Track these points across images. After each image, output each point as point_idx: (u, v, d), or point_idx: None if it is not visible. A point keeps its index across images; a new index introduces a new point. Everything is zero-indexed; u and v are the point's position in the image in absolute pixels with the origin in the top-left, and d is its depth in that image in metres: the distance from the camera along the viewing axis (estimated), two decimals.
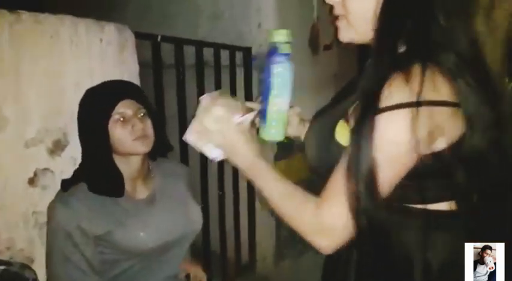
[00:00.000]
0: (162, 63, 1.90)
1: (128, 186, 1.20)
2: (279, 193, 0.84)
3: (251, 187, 2.38)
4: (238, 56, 2.36)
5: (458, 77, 0.70)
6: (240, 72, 2.39)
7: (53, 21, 1.34)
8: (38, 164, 1.29)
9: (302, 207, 0.79)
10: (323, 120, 0.87)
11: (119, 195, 1.16)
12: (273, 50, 0.92)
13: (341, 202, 0.72)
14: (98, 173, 1.16)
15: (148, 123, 1.19)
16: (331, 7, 0.85)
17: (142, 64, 1.64)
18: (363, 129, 0.70)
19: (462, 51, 0.72)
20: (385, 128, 0.69)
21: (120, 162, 1.18)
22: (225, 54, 2.28)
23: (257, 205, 2.53)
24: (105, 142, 1.15)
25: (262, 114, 0.96)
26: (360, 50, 0.94)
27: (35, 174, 1.28)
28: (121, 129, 1.15)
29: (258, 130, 0.99)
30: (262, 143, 0.96)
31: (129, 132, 1.15)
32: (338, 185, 0.73)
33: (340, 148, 0.77)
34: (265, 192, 0.85)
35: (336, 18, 0.84)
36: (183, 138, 0.94)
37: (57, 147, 1.32)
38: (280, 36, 0.92)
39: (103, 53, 1.50)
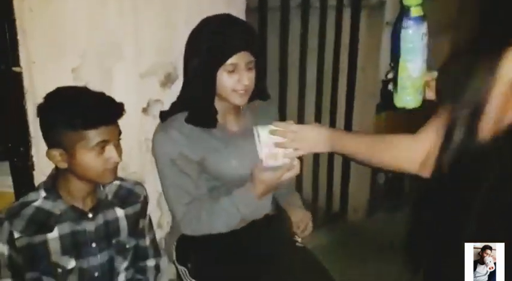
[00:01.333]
0: (267, 5, 1.89)
1: (220, 119, 1.26)
2: (368, 141, 0.92)
3: None
4: None
5: None
6: (347, 14, 2.29)
7: None
8: (151, 95, 1.40)
9: (396, 140, 0.86)
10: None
11: (212, 126, 1.23)
12: (404, 12, 0.91)
13: (439, 131, 0.77)
14: (196, 107, 1.22)
15: (253, 76, 1.21)
16: None
17: (247, 7, 1.65)
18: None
19: None
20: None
21: (216, 100, 1.24)
22: None
23: None
24: (210, 86, 1.19)
25: (394, 80, 0.96)
26: None
27: (148, 104, 1.40)
28: (228, 78, 1.18)
29: (392, 96, 0.99)
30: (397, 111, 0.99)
31: (234, 83, 1.18)
32: (440, 118, 0.77)
33: None
34: (357, 150, 0.93)
35: None
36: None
37: (168, 80, 1.42)
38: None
39: None
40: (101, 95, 1.08)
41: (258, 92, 1.29)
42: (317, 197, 2.44)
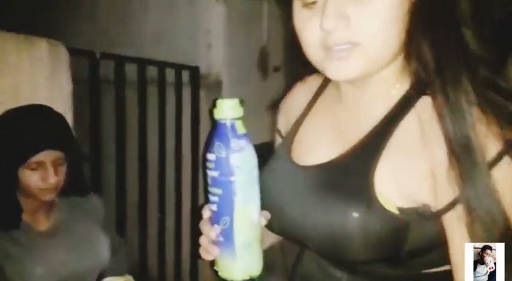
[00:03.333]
0: (100, 81, 1.80)
1: (27, 218, 1.13)
2: None
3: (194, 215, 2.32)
4: (185, 75, 2.29)
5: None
6: (187, 91, 2.32)
7: None
8: None
9: None
10: (339, 173, 0.69)
11: (14, 227, 1.10)
12: (224, 129, 0.63)
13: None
14: None
15: (63, 171, 1.13)
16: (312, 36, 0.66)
17: (81, 80, 1.56)
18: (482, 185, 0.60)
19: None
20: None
21: (22, 197, 1.12)
22: (170, 74, 2.20)
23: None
24: (11, 183, 1.08)
25: (223, 238, 0.64)
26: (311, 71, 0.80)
27: None
28: (31, 176, 1.09)
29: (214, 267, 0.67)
30: None
31: (38, 181, 1.10)
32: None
33: (385, 212, 0.64)
34: None
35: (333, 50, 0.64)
36: None
37: None
38: (234, 110, 0.63)
39: (33, 73, 1.40)
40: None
41: (74, 187, 1.20)
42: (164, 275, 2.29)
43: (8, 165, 1.08)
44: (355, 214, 0.64)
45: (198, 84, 2.32)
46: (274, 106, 0.92)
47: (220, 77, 2.38)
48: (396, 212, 0.64)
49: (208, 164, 0.64)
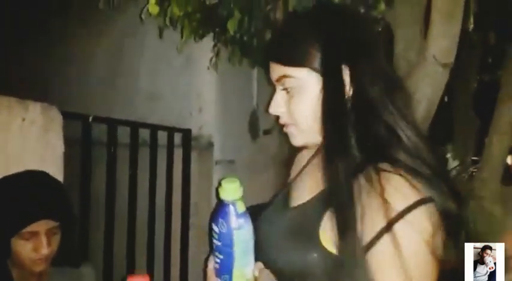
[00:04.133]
0: (91, 144, 1.82)
1: None
2: None
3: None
4: (177, 137, 2.33)
5: (418, 174, 0.72)
6: (179, 154, 2.34)
7: None
8: None
9: None
10: (294, 222, 0.82)
11: None
12: (226, 209, 0.77)
13: None
14: None
15: (56, 241, 1.10)
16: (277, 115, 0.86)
17: (72, 141, 1.57)
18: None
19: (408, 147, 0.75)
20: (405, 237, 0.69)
21: (13, 266, 1.08)
22: (163, 137, 2.24)
23: None
24: (3, 252, 1.05)
25: None
26: None
27: None
28: (24, 246, 1.05)
29: None
30: None
31: (31, 251, 1.06)
32: None
33: (326, 254, 0.74)
34: None
35: (284, 125, 0.85)
36: None
37: None
38: (235, 193, 0.77)
39: (24, 133, 1.42)
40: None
41: (66, 257, 1.16)
42: None
43: (1, 234, 1.04)
44: (314, 254, 0.74)
45: (190, 146, 2.36)
46: (288, 161, 1.03)
47: (212, 139, 2.42)
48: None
49: (213, 234, 0.78)
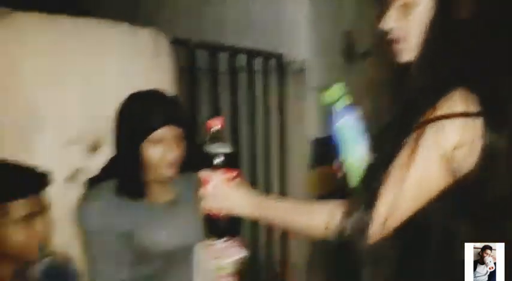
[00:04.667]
0: (196, 69, 1.95)
1: (150, 190, 1.22)
2: (288, 207, 0.96)
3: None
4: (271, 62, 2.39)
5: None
6: (274, 78, 2.42)
7: (88, 26, 1.40)
8: (75, 164, 1.35)
9: (317, 206, 0.90)
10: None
11: (140, 198, 1.19)
12: (336, 111, 0.96)
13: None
14: (123, 178, 1.19)
15: (182, 148, 1.19)
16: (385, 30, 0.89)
17: (179, 69, 1.68)
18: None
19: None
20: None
21: (145, 170, 1.20)
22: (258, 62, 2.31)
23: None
24: (135, 158, 1.17)
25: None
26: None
27: (73, 173, 1.35)
28: (154, 151, 1.15)
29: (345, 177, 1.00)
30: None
31: (161, 157, 1.16)
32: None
33: None
34: (275, 216, 0.96)
35: (393, 41, 0.89)
36: None
37: (94, 148, 1.39)
38: (336, 95, 0.96)
39: (137, 59, 1.53)
40: (22, 165, 1.03)
41: (190, 163, 1.24)
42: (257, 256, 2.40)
43: (133, 139, 1.15)
44: None
45: (284, 71, 2.41)
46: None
47: (305, 64, 2.44)
48: None
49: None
